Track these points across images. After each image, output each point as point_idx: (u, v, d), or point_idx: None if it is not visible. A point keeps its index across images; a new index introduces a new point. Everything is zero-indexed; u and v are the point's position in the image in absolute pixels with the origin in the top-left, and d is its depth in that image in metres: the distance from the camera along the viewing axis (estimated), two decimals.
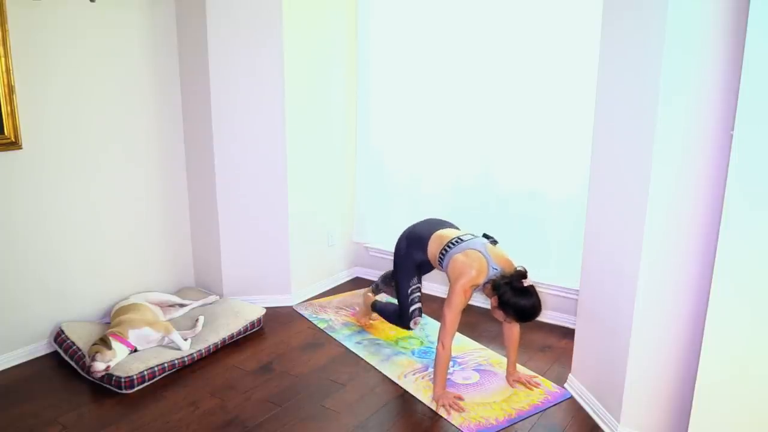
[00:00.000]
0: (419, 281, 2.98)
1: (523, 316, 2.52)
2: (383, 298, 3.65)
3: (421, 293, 3.00)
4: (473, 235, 2.77)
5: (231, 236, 3.59)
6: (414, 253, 2.90)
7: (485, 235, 2.78)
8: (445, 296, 2.71)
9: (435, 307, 3.55)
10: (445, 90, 3.64)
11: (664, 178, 2.07)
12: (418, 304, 2.96)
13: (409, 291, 2.94)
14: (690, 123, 2.01)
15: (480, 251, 2.62)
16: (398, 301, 3.01)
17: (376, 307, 3.30)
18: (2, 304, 2.90)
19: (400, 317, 3.00)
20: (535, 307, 2.50)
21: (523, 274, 2.52)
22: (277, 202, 3.57)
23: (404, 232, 3.01)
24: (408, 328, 2.99)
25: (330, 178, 3.92)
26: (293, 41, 3.41)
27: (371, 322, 3.42)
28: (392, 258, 3.06)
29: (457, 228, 2.92)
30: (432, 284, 3.82)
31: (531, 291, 2.51)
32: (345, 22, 3.81)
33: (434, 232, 2.85)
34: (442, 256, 2.72)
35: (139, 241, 3.45)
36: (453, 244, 2.70)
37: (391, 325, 3.24)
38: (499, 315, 2.57)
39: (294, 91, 3.48)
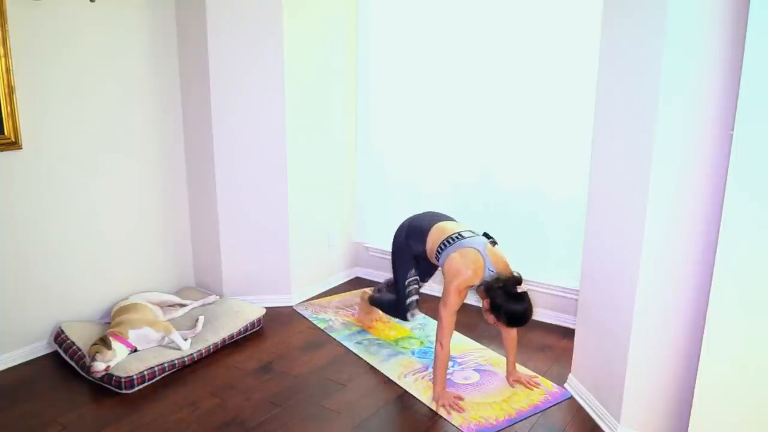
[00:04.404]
0: (417, 273, 2.95)
1: (512, 320, 2.51)
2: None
3: (419, 285, 2.98)
4: (473, 232, 2.73)
5: (231, 236, 3.59)
6: (413, 244, 2.88)
7: (486, 235, 2.74)
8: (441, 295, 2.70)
9: (433, 306, 3.54)
10: (444, 90, 3.64)
11: (664, 178, 2.07)
12: (415, 297, 2.95)
13: (406, 283, 2.93)
14: (690, 123, 2.01)
15: (478, 250, 2.60)
16: (395, 293, 3.01)
17: (373, 300, 3.29)
18: (2, 304, 2.90)
19: (397, 308, 3.00)
20: (526, 313, 2.49)
21: (518, 280, 2.51)
22: (277, 202, 3.57)
23: (404, 222, 2.99)
24: (405, 318, 3.00)
25: (330, 178, 3.92)
26: (293, 41, 3.41)
27: (373, 323, 3.41)
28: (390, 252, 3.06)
29: (458, 223, 2.88)
30: (430, 283, 3.81)
31: (524, 297, 2.49)
32: (345, 22, 3.81)
33: (435, 223, 2.83)
34: (439, 252, 2.70)
35: (139, 241, 3.45)
36: (452, 240, 2.67)
37: (389, 317, 3.25)
38: (491, 318, 2.56)
39: (294, 91, 3.48)
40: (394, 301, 3.04)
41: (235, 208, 3.56)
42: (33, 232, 2.96)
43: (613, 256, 2.36)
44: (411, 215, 3.03)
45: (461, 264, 2.57)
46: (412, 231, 2.90)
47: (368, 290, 3.47)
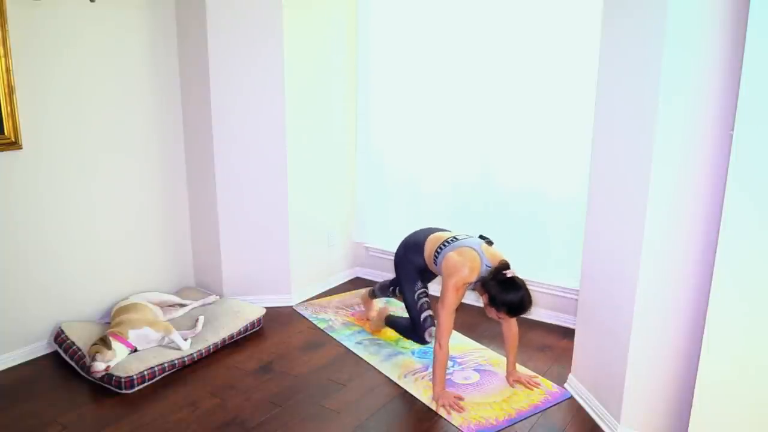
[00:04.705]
0: (424, 285, 2.92)
1: (512, 310, 2.50)
2: (381, 302, 3.64)
3: (429, 298, 2.92)
4: (469, 235, 2.77)
5: (231, 236, 3.59)
6: (412, 257, 2.89)
7: (482, 237, 2.77)
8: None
9: (432, 306, 3.55)
10: (444, 90, 3.64)
11: (664, 178, 2.07)
12: (429, 311, 2.86)
13: (415, 297, 2.87)
14: (690, 123, 2.01)
15: (474, 249, 2.63)
16: (408, 313, 2.94)
17: (390, 321, 3.21)
18: (2, 304, 2.90)
19: (414, 330, 2.90)
20: (524, 300, 2.48)
21: (505, 265, 2.52)
22: (277, 202, 3.57)
23: (401, 242, 3.01)
24: (424, 341, 2.88)
25: (330, 178, 3.92)
26: (293, 41, 3.41)
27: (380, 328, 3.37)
28: (392, 260, 3.05)
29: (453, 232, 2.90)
30: (430, 284, 3.81)
31: (517, 282, 2.49)
32: (345, 22, 3.81)
33: (430, 235, 2.86)
34: (436, 255, 2.72)
35: (139, 241, 3.45)
36: (448, 243, 2.70)
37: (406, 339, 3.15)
38: (491, 312, 2.56)
39: (294, 91, 3.47)
40: (409, 322, 2.96)
41: (235, 208, 3.56)
42: (33, 232, 2.96)
43: (613, 256, 2.36)
44: (407, 234, 3.02)
45: (458, 261, 2.59)
46: (409, 246, 2.93)
47: (368, 296, 3.48)
